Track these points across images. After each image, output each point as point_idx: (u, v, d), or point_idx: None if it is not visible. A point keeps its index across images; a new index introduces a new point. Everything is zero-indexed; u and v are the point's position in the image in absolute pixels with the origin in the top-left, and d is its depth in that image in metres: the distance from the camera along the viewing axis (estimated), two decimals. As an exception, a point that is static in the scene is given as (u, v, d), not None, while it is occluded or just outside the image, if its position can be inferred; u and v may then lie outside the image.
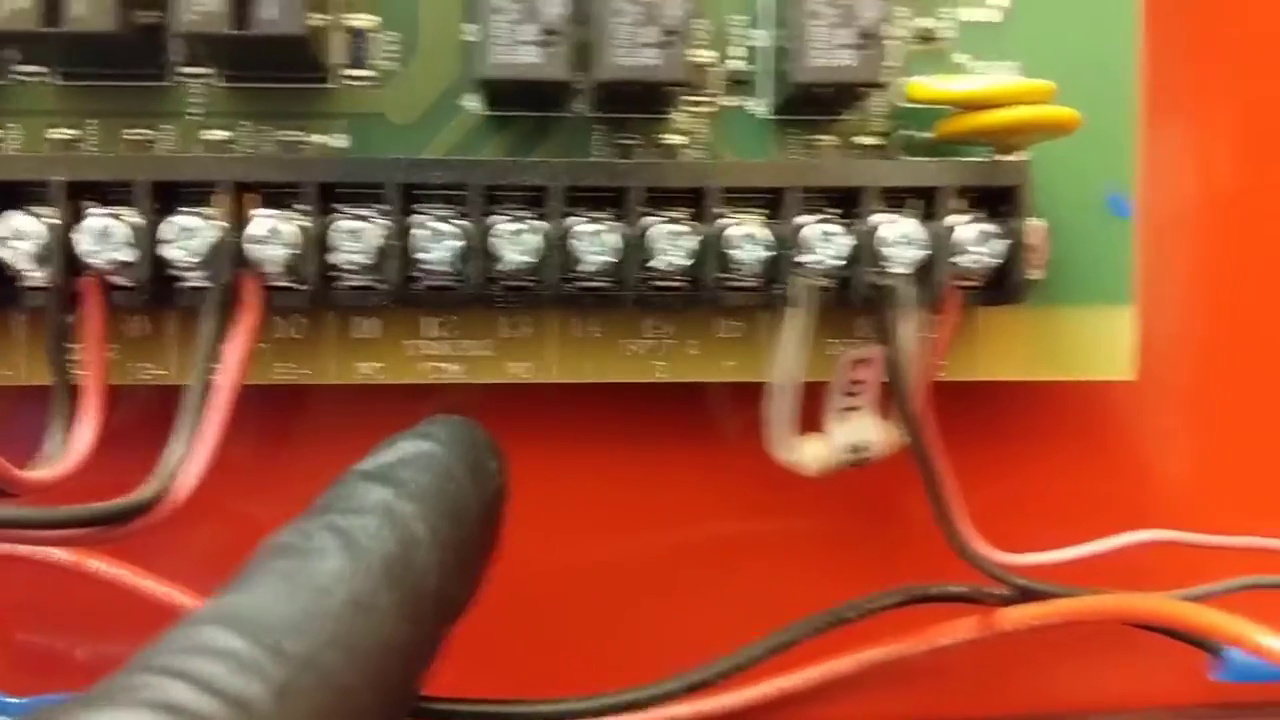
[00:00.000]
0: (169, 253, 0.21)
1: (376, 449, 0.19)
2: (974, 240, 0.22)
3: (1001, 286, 0.23)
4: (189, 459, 0.20)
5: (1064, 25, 0.24)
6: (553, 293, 0.21)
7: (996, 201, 0.22)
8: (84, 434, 0.21)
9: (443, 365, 0.23)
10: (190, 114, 0.22)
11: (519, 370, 0.23)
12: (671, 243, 0.22)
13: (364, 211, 0.21)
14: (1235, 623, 0.21)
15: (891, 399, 0.23)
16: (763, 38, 0.23)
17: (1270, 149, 0.27)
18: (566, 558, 0.25)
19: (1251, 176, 0.27)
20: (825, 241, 0.22)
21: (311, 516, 0.17)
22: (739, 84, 0.23)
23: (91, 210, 0.21)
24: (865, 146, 0.24)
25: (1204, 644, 0.25)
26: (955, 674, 0.26)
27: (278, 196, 0.21)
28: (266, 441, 0.25)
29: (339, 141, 0.23)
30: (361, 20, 0.23)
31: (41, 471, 0.20)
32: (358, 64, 0.23)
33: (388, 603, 0.16)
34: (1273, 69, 0.27)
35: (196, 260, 0.21)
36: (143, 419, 0.23)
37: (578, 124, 0.23)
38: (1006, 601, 0.24)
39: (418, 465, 0.18)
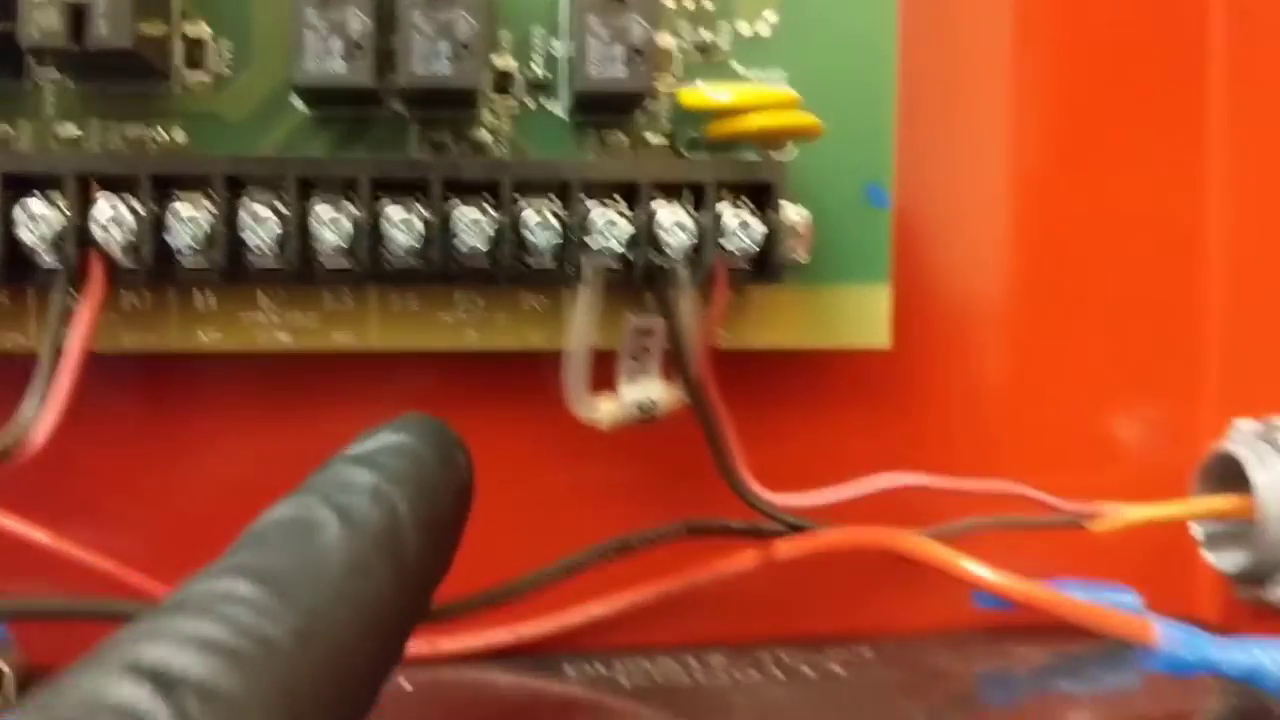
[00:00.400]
0: (22, 235, 0.24)
1: (359, 438, 0.21)
2: (736, 228, 0.25)
3: (764, 268, 0.26)
4: (40, 415, 0.23)
5: (828, 38, 0.27)
6: (365, 271, 0.25)
7: (761, 194, 0.26)
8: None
9: (275, 335, 0.26)
10: (46, 113, 0.25)
11: (342, 339, 0.26)
12: (471, 228, 0.25)
13: (195, 199, 0.24)
14: (946, 553, 0.24)
15: (674, 363, 0.27)
16: (560, 48, 0.26)
17: (1010, 146, 0.31)
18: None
19: (995, 169, 0.31)
20: (610, 227, 0.25)
21: (306, 494, 0.19)
22: (540, 88, 0.27)
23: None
24: (652, 145, 0.27)
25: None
26: (739, 602, 0.29)
27: (121, 187, 0.24)
28: (130, 405, 0.28)
29: (179, 137, 0.26)
30: (197, 29, 0.26)
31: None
32: (195, 68, 0.26)
33: (380, 569, 0.18)
34: (1012, 79, 0.31)
35: (45, 242, 0.24)
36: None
37: (395, 122, 0.26)
38: (781, 536, 0.28)
39: (397, 453, 0.20)
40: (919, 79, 0.29)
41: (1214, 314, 0.32)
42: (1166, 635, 0.22)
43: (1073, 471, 0.31)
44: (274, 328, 0.26)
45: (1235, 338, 0.31)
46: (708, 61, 0.27)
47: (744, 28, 0.27)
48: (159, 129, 0.26)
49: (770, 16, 0.27)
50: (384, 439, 0.21)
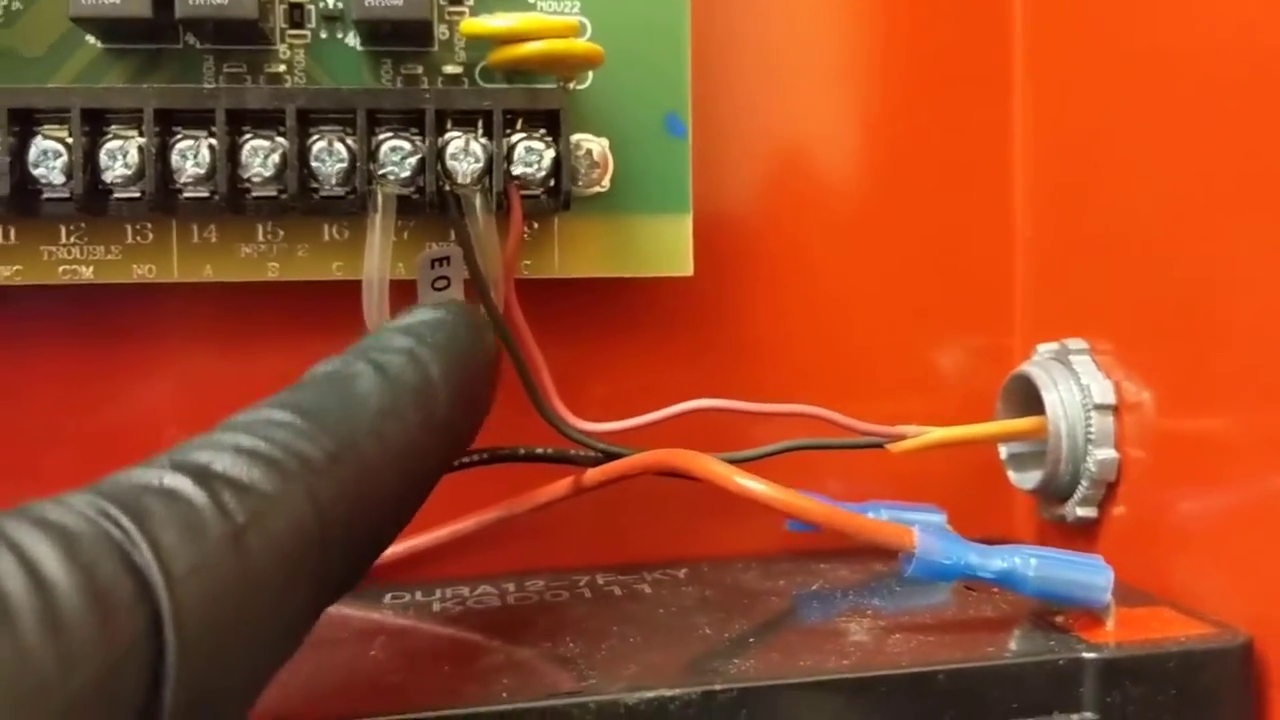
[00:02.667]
0: None
1: (401, 313, 0.23)
2: (521, 155, 0.26)
3: (558, 195, 0.27)
4: None
5: (622, -31, 0.28)
6: (155, 202, 0.25)
7: (550, 122, 0.26)
8: None
9: (76, 268, 0.27)
10: None
11: (143, 272, 0.27)
12: (258, 156, 0.25)
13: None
14: (726, 470, 0.25)
15: (476, 292, 0.27)
16: (353, -23, 0.27)
17: (815, 67, 0.32)
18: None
19: (793, 99, 0.32)
20: (396, 154, 0.26)
21: (349, 352, 0.21)
22: (333, 19, 0.27)
23: None
24: (448, 75, 0.27)
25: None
26: (557, 530, 0.30)
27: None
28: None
29: (-30, 72, 0.26)
30: (-16, -37, 0.26)
31: None
32: (-16, 3, 0.26)
33: (412, 417, 0.20)
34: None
35: None
36: None
37: (190, 55, 0.26)
38: (592, 463, 0.29)
39: (434, 325, 0.23)
40: (713, 4, 0.30)
41: (1020, 242, 0.33)
42: (924, 542, 0.23)
43: (883, 399, 0.32)
44: (75, 261, 0.26)
45: (1039, 267, 0.32)
46: (488, -6, 0.28)
47: (539, -42, 0.28)
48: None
49: (563, -57, 0.28)
50: (424, 313, 0.23)
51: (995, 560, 0.23)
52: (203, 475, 0.16)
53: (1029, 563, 0.23)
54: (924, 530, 0.23)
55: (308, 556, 0.17)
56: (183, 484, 0.16)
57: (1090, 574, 0.23)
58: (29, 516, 0.15)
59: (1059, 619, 0.24)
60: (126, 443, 0.28)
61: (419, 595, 0.28)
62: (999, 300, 0.33)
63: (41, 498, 0.16)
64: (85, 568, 0.14)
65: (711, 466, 0.25)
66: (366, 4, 0.25)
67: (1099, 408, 0.28)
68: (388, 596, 0.28)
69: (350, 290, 0.26)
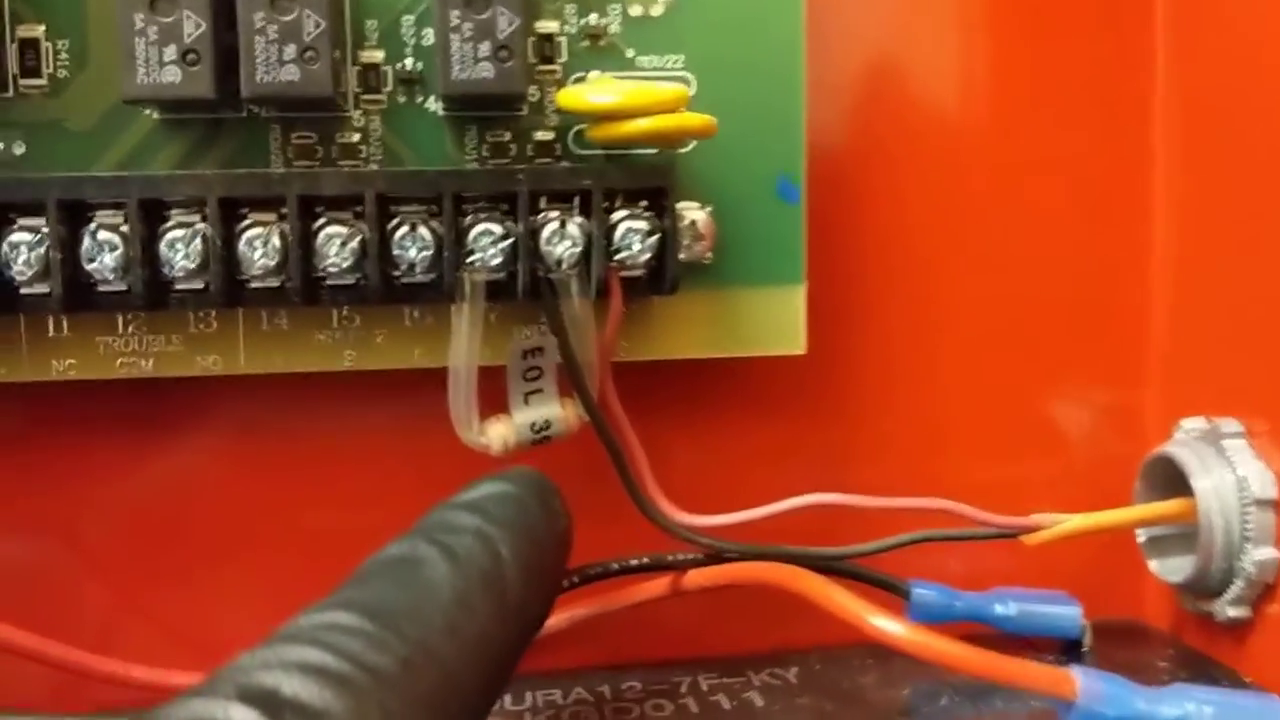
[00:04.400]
0: None
1: (464, 488, 0.21)
2: (622, 236, 0.23)
3: (661, 276, 0.24)
4: None
5: (728, 16, 0.25)
6: (222, 294, 0.23)
7: (655, 196, 0.24)
8: None
9: (135, 361, 0.24)
10: None
11: (207, 364, 0.24)
12: (335, 245, 0.23)
13: (32, 223, 0.22)
14: (854, 604, 0.22)
15: (569, 380, 0.25)
16: (431, 37, 0.24)
17: (935, 121, 0.29)
18: (279, 533, 0.27)
19: (917, 153, 0.29)
20: (487, 239, 0.23)
21: (412, 535, 0.19)
22: (413, 82, 0.24)
23: None
24: (539, 142, 0.25)
25: (896, 589, 0.28)
26: (654, 619, 0.27)
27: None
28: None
29: (17, 149, 0.23)
30: (30, 30, 0.23)
31: None
32: (30, 73, 0.23)
33: (484, 606, 0.18)
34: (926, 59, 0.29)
35: None
36: None
37: (254, 124, 0.24)
38: (693, 563, 0.26)
39: (501, 500, 0.21)
40: (830, 57, 0.27)
41: (1160, 303, 0.30)
42: (1087, 690, 0.20)
43: (1010, 472, 0.29)
44: (134, 354, 0.24)
45: (1182, 328, 0.29)
46: (596, 48, 0.25)
47: (634, 8, 0.25)
48: (-5, 141, 0.23)
49: (665, -6, 0.25)
50: (488, 487, 0.21)
51: (1166, 708, 0.21)
52: (272, 704, 0.14)
53: (1204, 711, 0.21)
54: (1085, 675, 0.21)
55: None
56: (248, 717, 0.14)
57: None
58: None
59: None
60: (194, 536, 0.27)
61: (508, 701, 0.26)
62: (1134, 363, 0.30)
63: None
64: None
65: (838, 599, 0.23)
66: (453, 77, 0.22)
67: (1259, 502, 0.25)
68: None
69: (434, 379, 0.24)
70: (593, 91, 0.22)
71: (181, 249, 0.22)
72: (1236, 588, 0.26)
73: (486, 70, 0.22)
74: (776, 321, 0.26)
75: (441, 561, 0.18)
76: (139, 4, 0.21)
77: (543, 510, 0.21)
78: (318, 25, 0.22)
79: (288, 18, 0.21)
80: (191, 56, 0.21)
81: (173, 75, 0.21)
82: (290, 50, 0.21)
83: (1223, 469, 0.26)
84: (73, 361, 0.24)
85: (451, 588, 0.18)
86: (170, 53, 0.21)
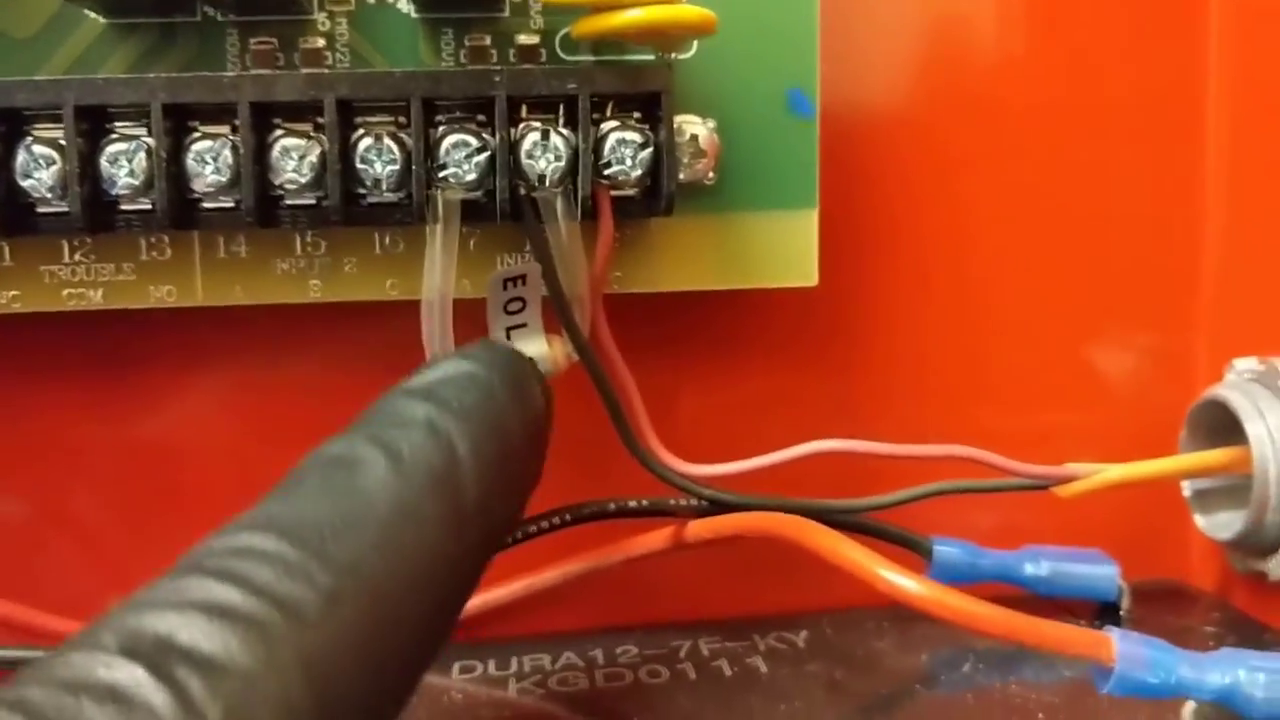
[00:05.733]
0: None
1: (420, 368, 0.19)
2: (613, 149, 0.21)
3: (655, 196, 0.22)
4: None
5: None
6: (169, 215, 0.20)
7: (649, 105, 0.21)
8: None
9: (83, 291, 0.22)
10: None
11: (162, 294, 0.22)
12: (293, 159, 0.20)
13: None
14: (866, 557, 0.20)
15: (556, 314, 0.22)
16: (403, -71, 0.22)
17: (957, 53, 0.26)
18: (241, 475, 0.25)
19: (934, 83, 0.26)
20: (461, 152, 0.21)
21: (356, 430, 0.17)
22: (383, -20, 0.22)
23: None
24: (522, 46, 0.22)
25: (917, 546, 0.25)
26: (651, 579, 0.25)
27: None
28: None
29: (-44, 56, 0.21)
30: (-40, -76, 0.21)
31: None
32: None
33: (433, 513, 0.16)
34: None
35: None
36: None
37: (211, 28, 0.22)
38: (696, 513, 0.24)
39: (461, 384, 0.18)
40: None
41: (1211, 240, 0.27)
42: (1126, 654, 0.18)
43: (1045, 420, 0.27)
44: (82, 284, 0.22)
45: (1234, 265, 0.27)
46: (588, -52, 0.22)
47: (632, -100, 0.22)
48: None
49: (664, -116, 0.22)
50: (446, 368, 0.18)
51: (1213, 675, 0.18)
52: (162, 656, 0.12)
53: (1256, 679, 0.18)
54: (1124, 639, 0.18)
55: None
56: (133, 676, 0.12)
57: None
58: None
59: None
60: (148, 484, 0.25)
61: (493, 667, 0.24)
62: (1182, 300, 0.27)
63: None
64: None
65: (851, 554, 0.20)
66: (422, -32, 0.20)
67: (1319, 452, 0.23)
68: (456, 667, 0.24)
69: (407, 312, 0.22)
70: (579, -11, 0.20)
71: (125, 164, 0.20)
72: (1293, 545, 0.23)
73: (459, -44, 0.20)
74: (786, 250, 0.23)
75: (382, 462, 0.16)
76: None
77: (512, 393, 0.18)
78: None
79: (237, -99, 0.19)
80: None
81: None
82: (239, -66, 0.19)
83: (1278, 413, 0.23)
84: (16, 293, 0.22)
85: (392, 495, 0.16)
86: (106, -63, 0.19)
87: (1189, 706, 0.20)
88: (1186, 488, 0.26)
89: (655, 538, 0.24)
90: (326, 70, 0.22)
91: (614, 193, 0.22)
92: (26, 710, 0.11)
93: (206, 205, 0.21)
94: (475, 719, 0.22)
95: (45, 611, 0.23)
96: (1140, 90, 0.27)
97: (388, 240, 0.23)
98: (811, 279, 0.24)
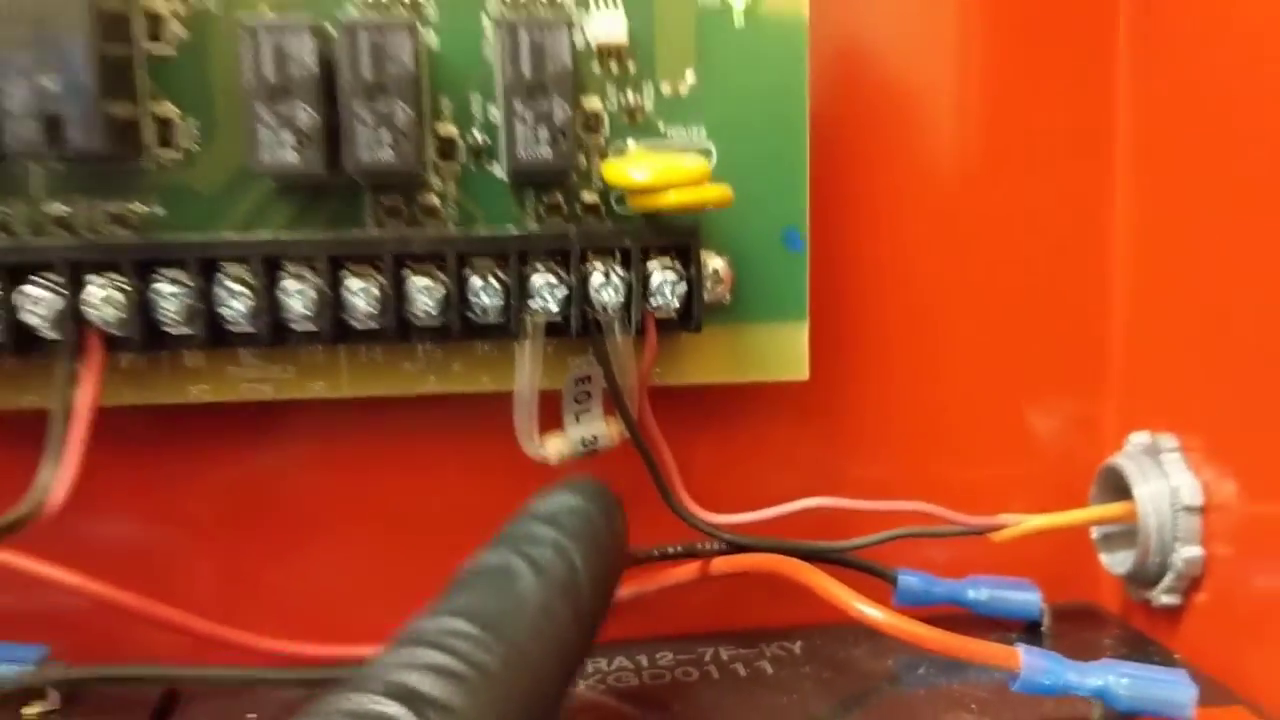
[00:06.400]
0: (25, 317, 0.27)
1: (538, 497, 0.25)
2: (658, 286, 0.28)
3: (689, 317, 0.29)
4: (59, 475, 0.26)
5: (743, 93, 0.30)
6: (330, 334, 0.28)
7: (683, 252, 0.29)
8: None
9: (257, 385, 0.29)
10: (34, 193, 0.28)
11: (317, 388, 0.30)
12: (424, 294, 0.28)
13: (174, 275, 0.27)
14: (845, 594, 0.28)
15: (613, 402, 0.30)
16: (497, 115, 0.29)
17: (923, 170, 0.34)
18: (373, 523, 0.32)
19: (910, 216, 0.34)
20: (547, 289, 0.28)
21: (503, 546, 0.23)
22: (481, 153, 0.29)
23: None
24: (586, 204, 0.30)
25: (885, 576, 0.33)
26: (682, 604, 0.32)
27: (109, 268, 0.27)
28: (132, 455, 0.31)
29: (157, 210, 0.28)
30: (164, 109, 0.28)
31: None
32: (166, 146, 0.28)
33: (563, 612, 0.22)
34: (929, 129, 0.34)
35: (46, 322, 0.27)
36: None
37: (351, 189, 0.29)
38: (718, 553, 0.31)
39: (573, 513, 0.25)
40: (828, 124, 0.31)
41: (1118, 333, 0.34)
42: (1029, 663, 0.25)
43: (985, 475, 0.34)
44: (257, 380, 0.29)
45: (1135, 354, 0.34)
46: (634, 123, 0.29)
47: (665, 88, 0.29)
48: (138, 203, 0.28)
49: (689, 77, 0.29)
50: (561, 500, 0.25)
51: (1091, 679, 0.26)
52: (411, 700, 0.19)
53: (1120, 682, 0.26)
54: (1028, 652, 0.26)
55: None
56: (397, 711, 0.18)
57: (1175, 692, 0.26)
58: None
59: (1147, 726, 0.27)
60: (299, 529, 0.32)
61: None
62: (1094, 377, 0.35)
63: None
64: None
65: (832, 589, 0.28)
66: (520, 157, 0.27)
67: (1187, 509, 0.30)
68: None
69: (501, 401, 0.29)
70: (632, 167, 0.27)
71: (299, 299, 0.27)
72: (1169, 579, 0.31)
73: (546, 151, 0.27)
74: (784, 352, 0.31)
75: (528, 572, 0.22)
76: (262, 96, 0.26)
77: (606, 522, 0.25)
78: (406, 114, 0.26)
79: (383, 109, 0.26)
80: (305, 141, 0.26)
81: (292, 156, 0.26)
82: (385, 135, 0.26)
83: (1159, 479, 0.31)
84: (206, 387, 0.29)
85: (537, 597, 0.22)
86: (288, 137, 0.26)
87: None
88: (1094, 532, 0.33)
89: (687, 570, 0.31)
90: (445, 226, 0.29)
91: (657, 315, 0.29)
92: None
93: (358, 327, 0.28)
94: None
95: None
96: (1060, 210, 0.34)
97: (486, 348, 0.30)
98: (803, 374, 0.31)
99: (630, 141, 0.29)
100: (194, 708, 0.29)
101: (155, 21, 0.28)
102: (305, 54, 0.26)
